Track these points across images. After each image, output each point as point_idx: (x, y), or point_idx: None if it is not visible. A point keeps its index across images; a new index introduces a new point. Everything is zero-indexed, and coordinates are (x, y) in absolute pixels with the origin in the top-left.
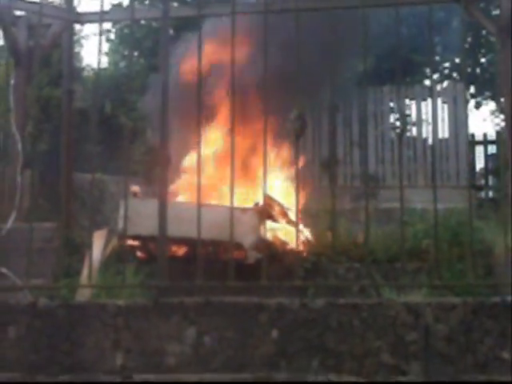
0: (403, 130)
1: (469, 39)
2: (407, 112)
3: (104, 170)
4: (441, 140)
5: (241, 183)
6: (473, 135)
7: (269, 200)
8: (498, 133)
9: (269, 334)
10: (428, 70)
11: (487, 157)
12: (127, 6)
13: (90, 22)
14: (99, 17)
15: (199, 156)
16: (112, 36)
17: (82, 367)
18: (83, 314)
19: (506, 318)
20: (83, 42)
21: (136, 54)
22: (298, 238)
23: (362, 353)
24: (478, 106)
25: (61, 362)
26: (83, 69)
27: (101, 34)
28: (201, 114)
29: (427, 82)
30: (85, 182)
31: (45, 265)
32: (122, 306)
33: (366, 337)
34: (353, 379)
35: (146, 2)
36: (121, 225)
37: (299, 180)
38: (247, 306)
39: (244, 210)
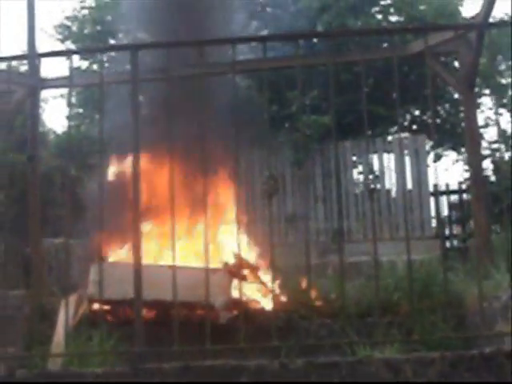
0: (374, 184)
1: (427, 91)
2: (370, 165)
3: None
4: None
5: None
6: (435, 185)
7: (238, 258)
8: (459, 183)
9: None
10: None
11: (450, 206)
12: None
13: (56, 87)
14: (66, 81)
15: (173, 219)
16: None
17: None
18: (61, 383)
19: (484, 371)
20: (43, 105)
21: (97, 116)
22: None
23: None
24: (438, 157)
25: None
26: (46, 133)
27: (69, 105)
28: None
29: (389, 136)
30: (51, 247)
31: (15, 333)
32: (99, 374)
33: None
34: None
35: (106, 65)
36: (91, 289)
37: (272, 238)
38: (226, 369)
39: (214, 270)
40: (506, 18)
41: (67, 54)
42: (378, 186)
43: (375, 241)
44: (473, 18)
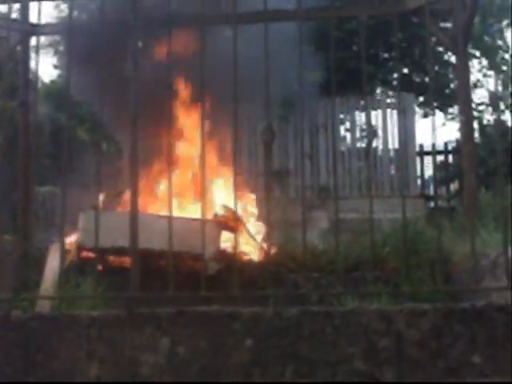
0: (371, 140)
1: (417, 50)
2: (357, 123)
3: (55, 182)
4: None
5: (193, 194)
6: (421, 145)
7: (227, 211)
8: (445, 143)
9: (243, 342)
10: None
11: (436, 167)
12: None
13: (47, 34)
14: (57, 28)
15: (170, 168)
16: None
17: (57, 378)
18: (56, 325)
19: (475, 323)
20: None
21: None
22: (257, 248)
23: (334, 360)
24: (425, 115)
25: (35, 373)
26: (36, 81)
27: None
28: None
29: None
30: (38, 195)
31: (4, 278)
32: (95, 317)
33: (338, 344)
34: None
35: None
36: (80, 237)
37: (269, 191)
38: (221, 316)
39: (203, 221)
40: None
41: None
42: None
43: (371, 197)
44: None
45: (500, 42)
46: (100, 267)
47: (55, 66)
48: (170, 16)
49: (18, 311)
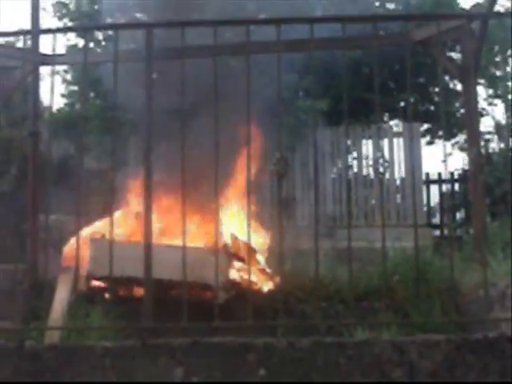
0: (384, 170)
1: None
2: (363, 151)
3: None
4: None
5: (202, 223)
6: (427, 174)
7: (236, 240)
8: (451, 173)
9: (256, 372)
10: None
11: (442, 195)
12: (83, 48)
13: (58, 63)
14: (69, 58)
15: (183, 197)
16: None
17: None
18: (70, 356)
19: (488, 354)
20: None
21: (92, 95)
22: (266, 278)
23: None
24: (431, 142)
25: None
26: (44, 110)
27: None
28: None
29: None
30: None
31: (12, 307)
32: (109, 347)
33: (352, 374)
34: None
35: (103, 44)
36: (90, 266)
37: (281, 219)
38: (234, 346)
39: (212, 250)
40: (502, 9)
41: (78, 30)
42: (371, 172)
43: (384, 226)
44: (474, 7)
45: (507, 70)
46: (109, 296)
47: (62, 95)
48: (183, 48)
49: (31, 342)
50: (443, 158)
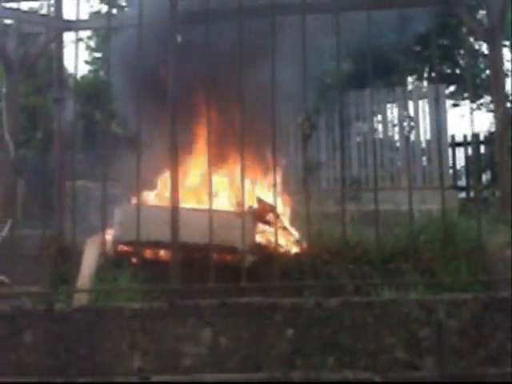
0: (409, 130)
1: (447, 41)
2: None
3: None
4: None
5: (227, 186)
6: (453, 137)
7: (262, 203)
8: (477, 135)
9: (284, 333)
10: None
11: (467, 158)
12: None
13: (82, 29)
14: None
15: (209, 165)
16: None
17: (100, 370)
18: (99, 317)
19: None
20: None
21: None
22: (293, 240)
23: (376, 349)
24: (455, 105)
25: (78, 365)
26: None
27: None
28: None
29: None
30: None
31: (41, 272)
32: (137, 309)
33: (379, 334)
34: (367, 376)
35: (126, 9)
36: (117, 231)
37: (307, 182)
38: (262, 307)
39: (238, 213)
40: None
41: None
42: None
43: (410, 188)
44: None
45: None
46: (136, 261)
47: (86, 62)
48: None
49: (60, 304)
50: (469, 120)
